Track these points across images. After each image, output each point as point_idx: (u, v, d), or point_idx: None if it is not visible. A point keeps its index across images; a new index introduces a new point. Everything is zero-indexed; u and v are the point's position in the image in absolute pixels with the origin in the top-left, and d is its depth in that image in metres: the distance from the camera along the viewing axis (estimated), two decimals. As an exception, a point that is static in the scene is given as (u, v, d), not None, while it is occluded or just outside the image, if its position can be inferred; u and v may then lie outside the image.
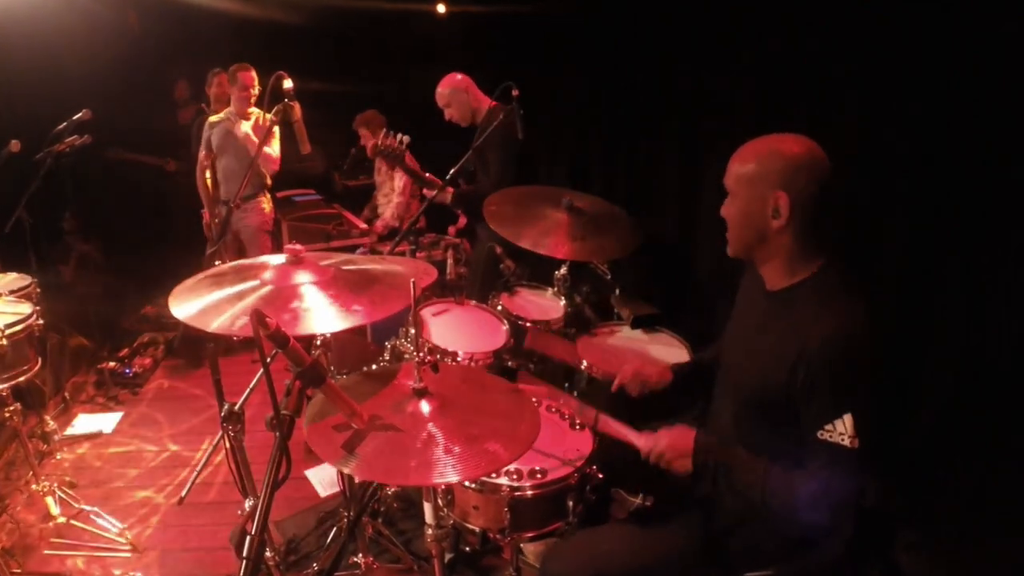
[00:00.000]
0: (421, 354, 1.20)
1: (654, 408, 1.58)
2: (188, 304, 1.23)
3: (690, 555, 1.31)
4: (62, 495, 2.33)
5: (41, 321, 2.22)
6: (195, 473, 2.63)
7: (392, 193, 4.14)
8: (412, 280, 1.16)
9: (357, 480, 1.94)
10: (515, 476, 1.40)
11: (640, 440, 1.33)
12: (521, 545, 1.71)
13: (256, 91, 3.31)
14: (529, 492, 1.40)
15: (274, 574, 1.60)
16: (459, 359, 1.91)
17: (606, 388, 1.72)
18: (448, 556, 1.90)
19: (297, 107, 1.92)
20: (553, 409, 1.67)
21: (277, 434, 0.93)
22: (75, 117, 2.93)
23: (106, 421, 3.01)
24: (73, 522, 2.26)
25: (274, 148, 3.39)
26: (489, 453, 1.06)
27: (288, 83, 1.83)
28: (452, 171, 2.25)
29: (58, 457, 2.72)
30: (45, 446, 2.71)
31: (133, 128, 4.22)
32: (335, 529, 2.12)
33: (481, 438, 1.09)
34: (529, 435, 1.13)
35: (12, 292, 2.35)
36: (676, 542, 1.32)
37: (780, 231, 1.19)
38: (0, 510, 2.30)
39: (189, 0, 3.98)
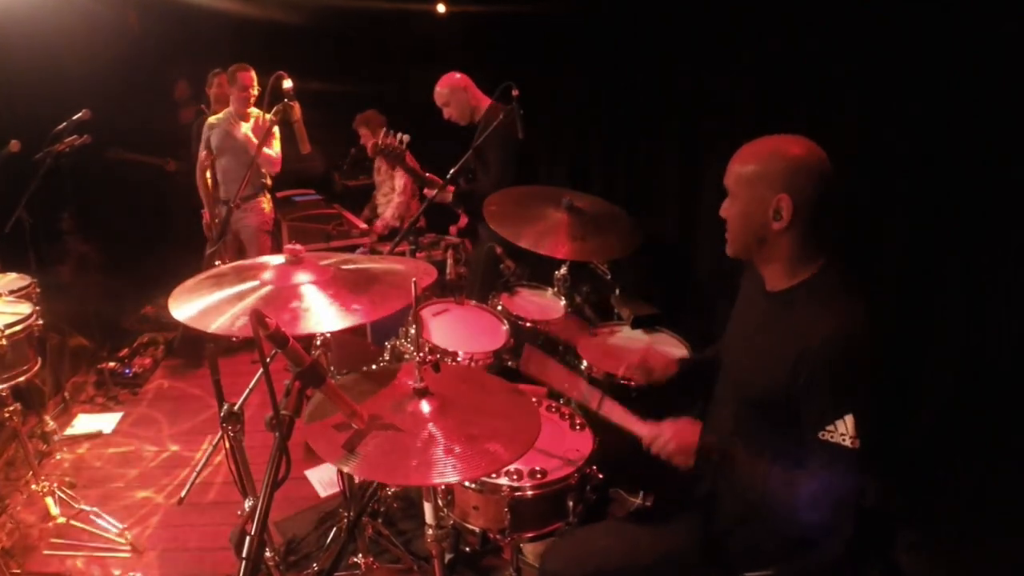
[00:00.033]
0: (422, 354, 1.20)
1: (653, 407, 1.57)
2: (188, 305, 1.23)
3: (690, 555, 1.31)
4: (62, 495, 2.33)
5: (41, 321, 2.22)
6: (195, 473, 2.63)
7: (392, 193, 4.14)
8: (413, 280, 1.16)
9: (357, 480, 1.94)
10: (515, 476, 1.40)
11: (643, 428, 1.30)
12: (521, 545, 1.71)
13: (255, 91, 3.31)
14: (529, 492, 1.40)
15: (274, 574, 1.60)
16: (459, 359, 1.91)
17: (606, 388, 1.72)
18: (448, 556, 1.90)
19: (297, 107, 1.92)
20: (553, 409, 1.67)
21: (277, 434, 0.93)
22: (75, 117, 2.93)
23: (106, 421, 3.01)
24: (73, 522, 2.26)
25: (275, 149, 3.39)
26: (489, 453, 1.06)
27: (288, 83, 1.83)
28: (452, 171, 2.25)
29: (58, 457, 2.72)
30: (45, 446, 2.71)
31: (133, 128, 4.22)
32: (335, 529, 2.12)
33: (481, 438, 1.09)
34: (529, 435, 1.13)
35: (12, 292, 2.35)
36: (676, 542, 1.32)
37: (781, 233, 1.19)
38: (0, 510, 2.29)
39: (189, 0, 3.98)
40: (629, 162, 3.25)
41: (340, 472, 2.00)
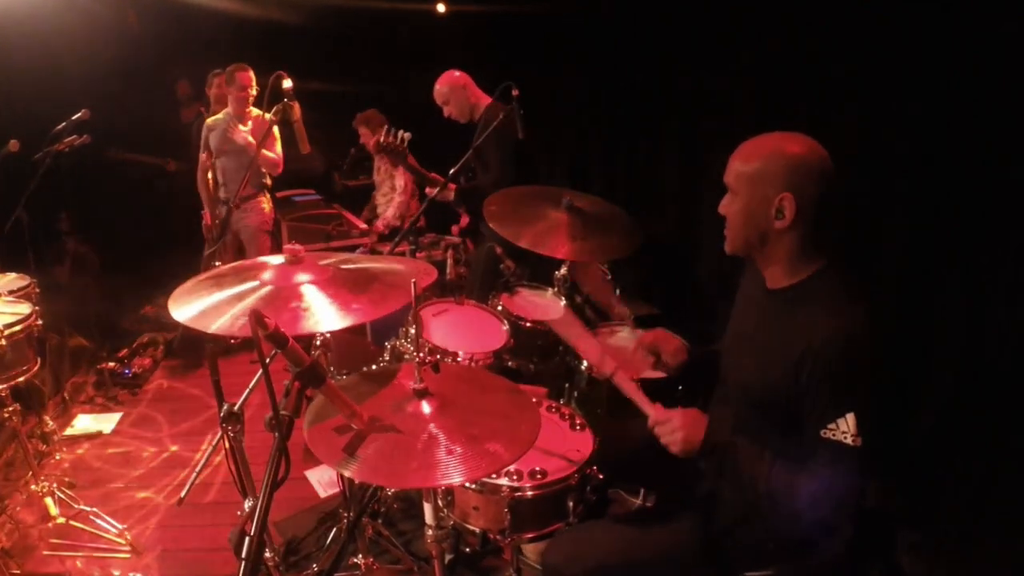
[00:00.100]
0: (421, 354, 1.19)
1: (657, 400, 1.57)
2: (188, 306, 1.23)
3: (690, 554, 1.31)
4: (61, 496, 2.33)
5: (40, 321, 2.22)
6: (194, 473, 2.62)
7: (392, 192, 4.14)
8: (413, 280, 1.16)
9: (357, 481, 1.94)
10: (515, 477, 1.40)
11: (652, 410, 1.27)
12: (522, 546, 1.71)
13: (254, 91, 3.30)
14: (529, 493, 1.40)
15: (273, 575, 1.60)
16: (459, 359, 1.90)
17: (606, 388, 1.72)
18: (448, 557, 1.90)
19: (297, 107, 1.92)
20: (553, 409, 1.67)
21: (276, 434, 0.92)
22: (74, 117, 2.93)
23: (105, 421, 3.00)
24: (72, 523, 2.26)
25: (276, 151, 3.39)
26: (490, 453, 1.06)
27: (288, 83, 1.83)
28: (453, 170, 2.25)
29: (57, 457, 2.72)
30: (44, 446, 2.70)
31: (133, 128, 4.22)
32: (335, 530, 2.11)
33: (481, 438, 1.09)
34: (529, 435, 1.13)
35: (11, 292, 2.35)
36: (676, 541, 1.32)
37: (783, 231, 1.19)
38: (-1, 510, 2.30)
39: (189, 0, 3.98)
40: (629, 162, 3.25)
41: (340, 473, 1.99)
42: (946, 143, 1.83)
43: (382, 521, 2.15)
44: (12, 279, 2.48)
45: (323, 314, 1.20)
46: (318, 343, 1.72)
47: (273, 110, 1.93)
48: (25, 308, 2.17)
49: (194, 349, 3.60)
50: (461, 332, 2.06)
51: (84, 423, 2.99)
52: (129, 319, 3.94)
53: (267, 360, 1.03)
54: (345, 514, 2.06)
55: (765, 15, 2.33)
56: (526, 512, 1.41)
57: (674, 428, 1.22)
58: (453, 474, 1.02)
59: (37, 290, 2.44)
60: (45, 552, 2.19)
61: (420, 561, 1.97)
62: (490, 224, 2.07)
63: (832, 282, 1.20)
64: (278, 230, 3.84)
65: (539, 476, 1.41)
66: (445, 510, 1.46)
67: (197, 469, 2.66)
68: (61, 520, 2.27)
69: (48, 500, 2.30)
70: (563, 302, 2.29)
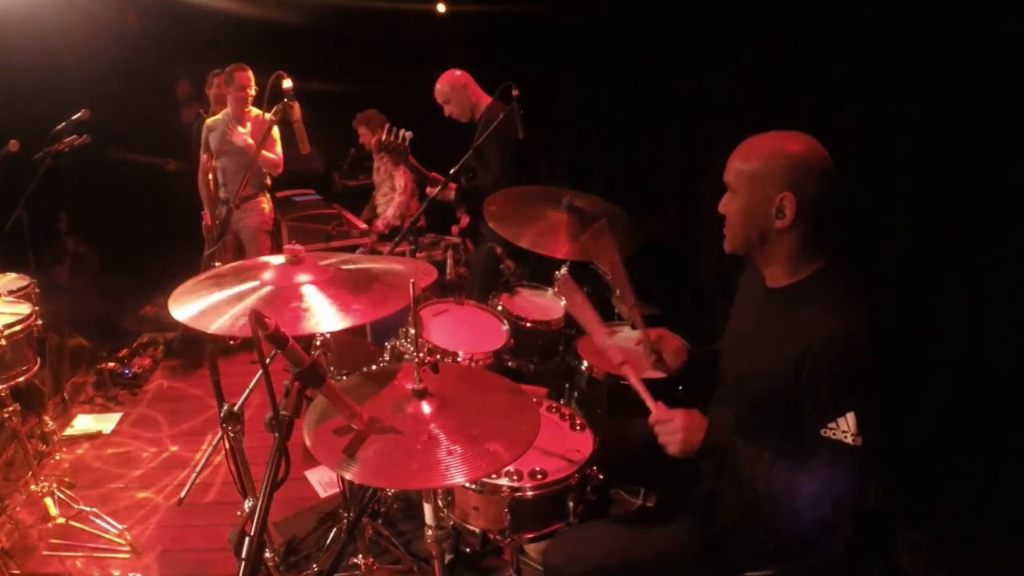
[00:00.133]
0: (421, 355, 1.19)
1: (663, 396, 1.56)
2: (188, 306, 1.23)
3: (690, 554, 1.31)
4: (61, 496, 2.33)
5: (40, 321, 2.22)
6: (194, 474, 2.62)
7: (392, 192, 4.14)
8: (412, 281, 1.16)
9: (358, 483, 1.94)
10: (515, 477, 1.40)
11: (655, 407, 1.26)
12: (524, 546, 1.71)
13: (252, 91, 3.30)
14: (529, 493, 1.40)
15: (273, 575, 1.60)
16: (459, 359, 1.90)
17: (606, 389, 1.72)
18: (448, 557, 1.90)
19: (297, 107, 1.92)
20: (553, 409, 1.67)
21: (276, 435, 0.92)
22: (74, 117, 2.93)
23: (105, 422, 3.00)
24: (72, 523, 2.25)
25: (277, 152, 3.39)
26: (490, 453, 1.06)
27: (287, 83, 1.83)
28: (453, 170, 2.25)
29: (57, 458, 2.71)
30: (44, 447, 2.70)
31: (132, 128, 4.22)
32: (335, 530, 2.11)
33: (481, 438, 1.09)
34: (529, 435, 1.13)
35: (11, 292, 2.35)
36: (676, 541, 1.32)
37: (783, 231, 1.19)
38: (-1, 511, 2.29)
39: (189, 0, 3.98)
40: (629, 162, 3.25)
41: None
42: (946, 143, 1.83)
43: (382, 521, 2.15)
44: (12, 279, 2.48)
45: (323, 315, 1.20)
46: (318, 343, 1.72)
47: (273, 110, 1.93)
48: (25, 308, 2.17)
49: (194, 349, 3.60)
50: (461, 332, 2.06)
51: (84, 423, 2.99)
52: (129, 319, 3.94)
53: (267, 360, 1.03)
54: (345, 514, 2.06)
55: (765, 15, 2.33)
56: (526, 512, 1.41)
57: (675, 428, 1.21)
58: (453, 475, 1.02)
59: (37, 290, 2.44)
60: (45, 552, 2.19)
61: (420, 561, 1.97)
62: (490, 224, 2.07)
63: (832, 281, 1.20)
64: (278, 230, 3.85)
65: (539, 476, 1.41)
66: (445, 510, 1.46)
67: (197, 469, 2.66)
68: (61, 520, 2.27)
69: (48, 500, 2.29)
70: (563, 302, 2.29)
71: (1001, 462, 1.79)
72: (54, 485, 2.34)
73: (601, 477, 1.48)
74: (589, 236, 1.76)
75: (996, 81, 1.69)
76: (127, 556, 2.18)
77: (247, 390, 1.44)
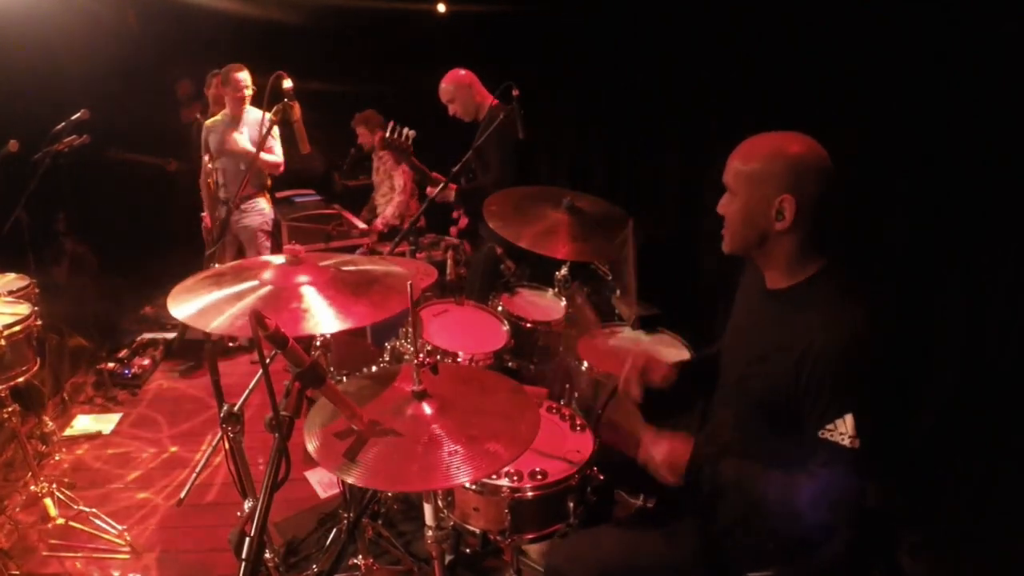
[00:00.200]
0: (421, 356, 1.19)
1: (656, 407, 1.57)
2: (187, 304, 1.23)
3: (691, 556, 1.31)
4: (61, 496, 2.32)
5: (40, 322, 2.22)
6: (194, 474, 2.62)
7: (391, 192, 4.14)
8: (410, 283, 1.16)
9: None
10: (515, 477, 1.40)
11: (644, 435, 1.30)
12: (524, 547, 1.71)
13: (250, 91, 3.30)
14: (530, 493, 1.40)
15: (273, 575, 1.60)
16: (459, 360, 1.90)
17: (606, 390, 1.71)
18: (448, 558, 1.90)
19: (296, 107, 1.91)
20: (554, 410, 1.67)
21: (276, 435, 0.92)
22: (74, 117, 2.93)
23: (105, 422, 3.00)
24: (72, 523, 2.25)
25: (277, 153, 3.39)
26: (490, 454, 1.06)
27: (288, 83, 1.83)
28: (454, 170, 2.25)
29: (57, 458, 2.71)
30: (44, 447, 2.70)
31: (132, 128, 4.22)
32: (335, 531, 2.11)
33: (481, 439, 1.08)
34: (529, 435, 1.13)
35: (11, 293, 2.35)
36: (677, 543, 1.32)
37: (783, 233, 1.19)
38: (-1, 511, 2.29)
39: (188, 0, 3.98)
40: (629, 162, 3.25)
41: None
42: (946, 143, 1.83)
43: (382, 522, 2.15)
44: (12, 279, 2.48)
45: (322, 316, 1.20)
46: (318, 343, 1.72)
47: (273, 110, 1.93)
48: (24, 308, 2.17)
49: (194, 349, 3.59)
50: (461, 333, 2.06)
51: (84, 424, 2.99)
52: (128, 319, 3.94)
53: (267, 361, 1.02)
54: (345, 515, 2.06)
55: (765, 15, 2.33)
56: (526, 513, 1.41)
57: (656, 465, 1.26)
58: (454, 476, 1.02)
59: (37, 290, 2.44)
60: (44, 553, 2.19)
61: (420, 562, 1.97)
62: (490, 224, 2.07)
63: (832, 283, 1.20)
64: (278, 230, 3.84)
65: (539, 477, 1.41)
66: (445, 511, 1.46)
67: (197, 470, 2.66)
68: (60, 521, 2.27)
69: (47, 501, 2.29)
70: (563, 303, 2.29)
71: (1001, 462, 1.79)
72: (54, 486, 2.33)
73: (601, 478, 1.48)
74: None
75: (996, 81, 1.69)
76: (127, 557, 2.18)
77: (247, 390, 1.44)
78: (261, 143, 2.02)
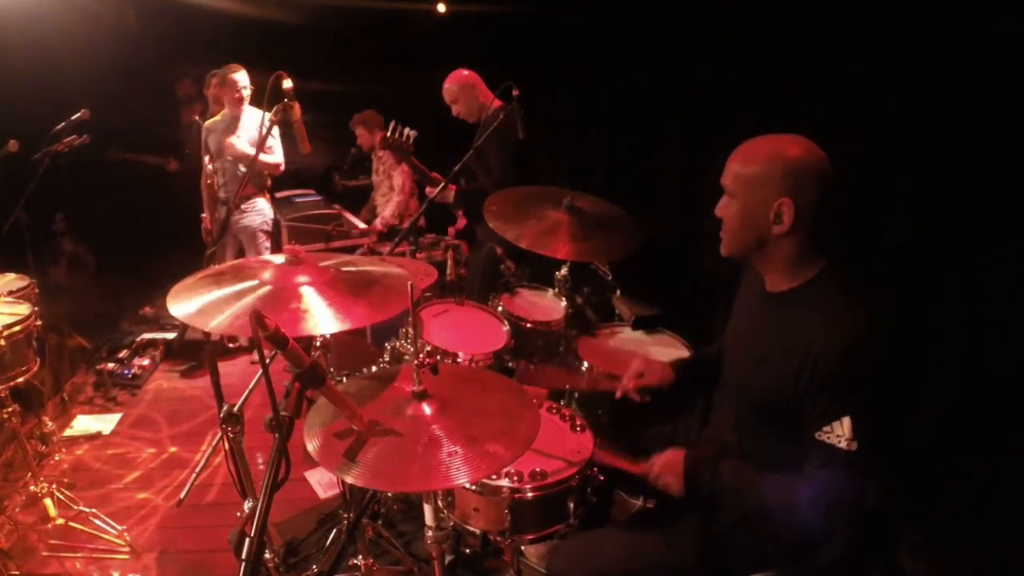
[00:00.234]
0: (421, 356, 1.19)
1: (656, 408, 1.57)
2: (186, 303, 1.23)
3: (691, 556, 1.31)
4: (60, 496, 2.32)
5: (40, 322, 2.22)
6: (194, 474, 2.62)
7: (390, 192, 4.14)
8: (410, 283, 1.16)
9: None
10: (516, 478, 1.40)
11: (637, 469, 1.37)
12: (523, 548, 1.71)
13: (249, 91, 3.30)
14: (530, 494, 1.39)
15: (273, 576, 1.60)
16: (459, 360, 1.90)
17: (606, 392, 1.71)
18: (448, 558, 1.90)
19: (297, 107, 1.91)
20: (554, 410, 1.67)
21: (276, 436, 0.92)
22: (73, 117, 2.93)
23: (105, 422, 3.00)
24: (72, 524, 2.25)
25: (277, 154, 3.39)
26: (490, 454, 1.06)
27: (288, 83, 1.82)
28: (454, 170, 2.25)
29: (56, 458, 2.71)
30: (43, 447, 2.70)
31: (132, 128, 4.22)
32: (335, 531, 2.11)
33: (481, 439, 1.08)
34: (529, 436, 1.13)
35: (11, 293, 2.35)
36: (678, 544, 1.32)
37: (781, 236, 1.19)
38: (-2, 511, 2.29)
39: (189, 0, 3.98)
40: (629, 162, 3.25)
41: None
42: (946, 143, 1.83)
43: (382, 522, 2.14)
44: (12, 279, 2.48)
45: (322, 317, 1.20)
46: (318, 344, 1.72)
47: (273, 110, 1.93)
48: (24, 309, 2.17)
49: (194, 350, 3.59)
50: (461, 333, 2.06)
51: (83, 424, 2.99)
52: (128, 319, 3.93)
53: (267, 361, 1.02)
54: (345, 515, 2.06)
55: (765, 15, 2.33)
56: (526, 513, 1.41)
57: (655, 476, 1.32)
58: (454, 476, 1.02)
59: (37, 291, 2.44)
60: (44, 553, 2.18)
61: (420, 562, 1.97)
62: (490, 224, 2.07)
63: (831, 285, 1.20)
64: (278, 230, 3.85)
65: (539, 477, 1.41)
66: (445, 511, 1.46)
67: (197, 470, 2.66)
68: (60, 521, 2.26)
69: (47, 501, 2.29)
70: (564, 303, 2.29)
71: (1001, 462, 1.79)
72: (53, 486, 2.33)
73: (602, 478, 1.48)
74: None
75: (996, 81, 1.69)
76: (126, 557, 2.18)
77: (247, 391, 1.44)
78: (261, 143, 2.02)
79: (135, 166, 4.43)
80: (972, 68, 1.73)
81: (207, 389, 3.29)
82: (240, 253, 3.59)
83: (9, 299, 2.27)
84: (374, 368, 2.02)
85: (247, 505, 1.33)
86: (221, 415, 1.27)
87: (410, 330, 1.90)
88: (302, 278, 1.29)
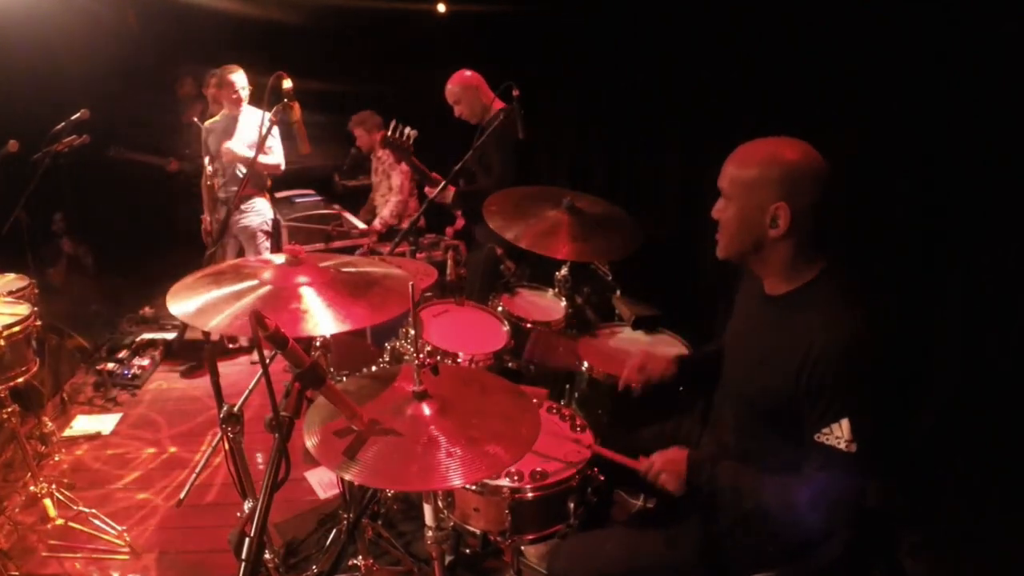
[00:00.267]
0: (421, 356, 1.19)
1: (656, 406, 1.57)
2: (186, 302, 1.22)
3: (692, 556, 1.31)
4: (60, 497, 2.32)
5: (39, 322, 2.22)
6: (194, 475, 2.62)
7: (389, 193, 4.14)
8: (411, 284, 1.16)
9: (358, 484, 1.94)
10: (516, 478, 1.40)
11: (637, 464, 1.37)
12: (523, 548, 1.71)
13: (247, 91, 3.30)
14: (530, 494, 1.39)
15: (273, 576, 1.60)
16: (459, 360, 1.90)
17: (607, 390, 1.71)
18: (448, 558, 1.90)
19: (296, 107, 1.91)
20: (554, 410, 1.67)
21: (276, 436, 0.92)
22: (73, 117, 2.93)
23: (104, 422, 3.00)
24: (71, 524, 2.25)
25: (276, 154, 3.39)
26: (490, 455, 1.06)
27: (288, 83, 1.82)
28: (454, 170, 2.25)
29: (56, 459, 2.71)
30: (43, 447, 2.70)
31: (132, 128, 4.22)
32: (335, 531, 2.11)
33: (482, 440, 1.08)
34: (530, 436, 1.13)
35: (11, 293, 2.35)
36: (678, 544, 1.32)
37: (777, 240, 1.19)
38: (-2, 512, 2.29)
39: (189, 0, 3.98)
40: (629, 162, 3.25)
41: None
42: (946, 143, 1.83)
43: (382, 522, 2.14)
44: (11, 279, 2.48)
45: (321, 317, 1.20)
46: (318, 344, 1.72)
47: (273, 110, 1.92)
48: (24, 309, 2.17)
49: (194, 350, 3.59)
50: (461, 333, 2.06)
51: (83, 424, 2.99)
52: (128, 320, 3.93)
53: (267, 361, 1.02)
54: (345, 515, 2.05)
55: (765, 15, 2.33)
56: (527, 513, 1.41)
57: (655, 472, 1.31)
58: (453, 477, 1.02)
59: (36, 291, 2.44)
60: (44, 553, 2.18)
61: (420, 563, 1.97)
62: (490, 224, 2.07)
63: (830, 287, 1.20)
64: (278, 230, 3.84)
65: (540, 477, 1.41)
66: (445, 511, 1.45)
67: (196, 470, 2.65)
68: (60, 521, 2.26)
69: (47, 501, 2.29)
70: (564, 303, 2.29)
71: (1001, 462, 1.79)
72: (53, 486, 2.33)
73: (602, 478, 1.48)
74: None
75: (996, 81, 1.69)
76: (126, 557, 2.18)
77: (247, 391, 1.44)
78: (260, 144, 2.02)
79: (135, 166, 4.43)
80: (972, 68, 1.73)
81: (207, 389, 3.29)
82: (240, 253, 3.59)
83: (9, 299, 2.27)
84: (374, 368, 2.02)
85: (247, 505, 1.33)
86: (221, 415, 1.28)
87: (410, 330, 1.91)
88: (302, 278, 1.29)
